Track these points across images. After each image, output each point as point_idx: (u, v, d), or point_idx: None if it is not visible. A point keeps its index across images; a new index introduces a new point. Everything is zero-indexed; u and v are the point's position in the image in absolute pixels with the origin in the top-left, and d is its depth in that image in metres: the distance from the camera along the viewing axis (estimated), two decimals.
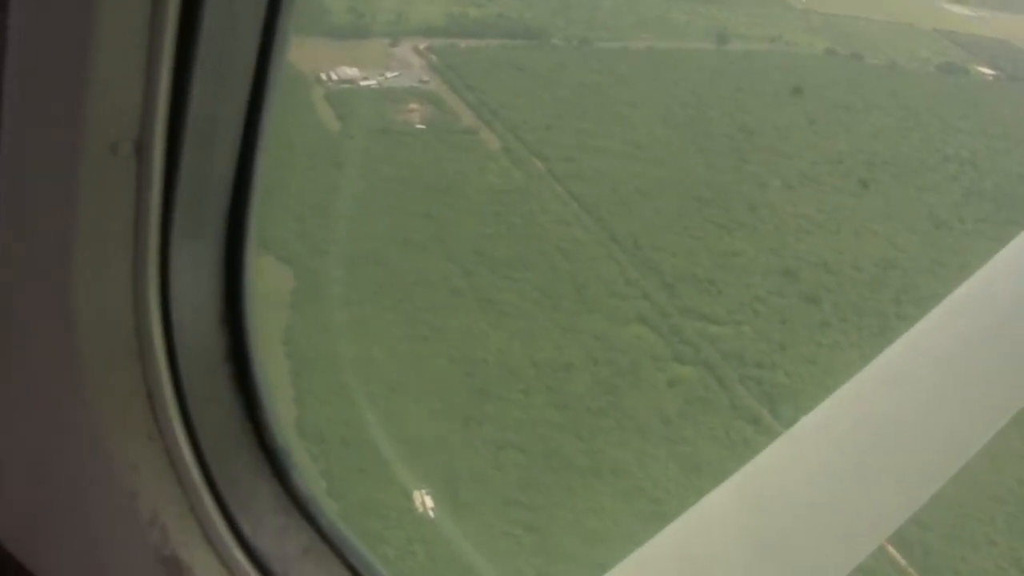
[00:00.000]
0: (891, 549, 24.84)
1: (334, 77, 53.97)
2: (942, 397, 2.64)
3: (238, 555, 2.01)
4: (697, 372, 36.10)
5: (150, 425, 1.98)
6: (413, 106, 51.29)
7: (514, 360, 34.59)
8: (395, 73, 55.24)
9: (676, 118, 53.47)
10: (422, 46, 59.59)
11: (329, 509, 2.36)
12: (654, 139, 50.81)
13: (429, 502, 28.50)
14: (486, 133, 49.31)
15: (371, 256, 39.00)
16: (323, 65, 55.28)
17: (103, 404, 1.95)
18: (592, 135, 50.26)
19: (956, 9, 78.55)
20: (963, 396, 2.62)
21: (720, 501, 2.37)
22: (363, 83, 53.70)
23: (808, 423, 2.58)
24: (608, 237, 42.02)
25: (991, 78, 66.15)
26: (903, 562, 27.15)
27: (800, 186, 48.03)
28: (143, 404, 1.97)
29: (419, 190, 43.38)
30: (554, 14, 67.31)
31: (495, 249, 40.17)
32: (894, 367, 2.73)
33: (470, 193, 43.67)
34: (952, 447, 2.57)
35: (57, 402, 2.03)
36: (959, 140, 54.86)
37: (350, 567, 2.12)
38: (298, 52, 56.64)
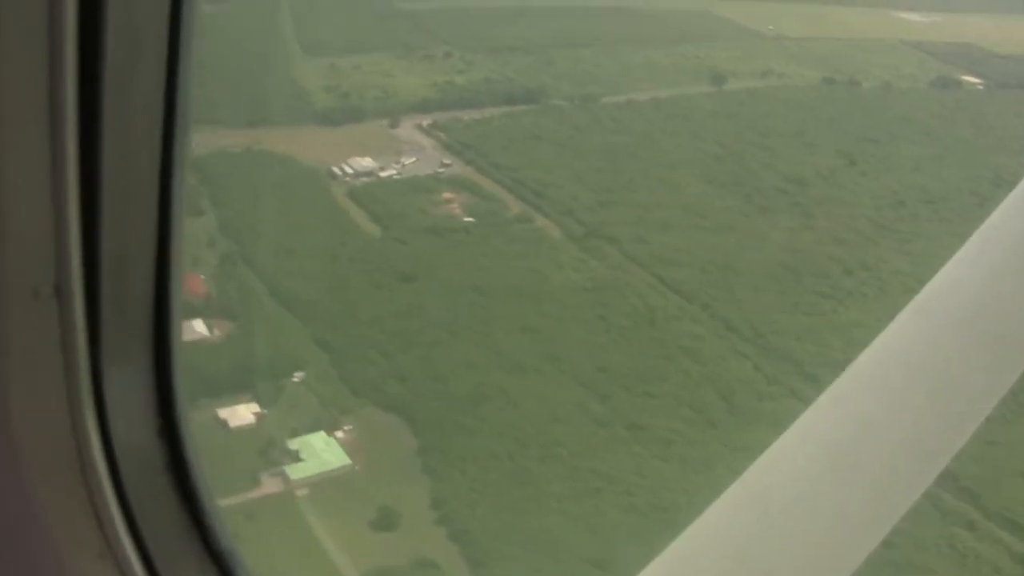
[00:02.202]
0: None
1: (348, 170, 47.90)
2: (918, 398, 2.53)
3: None
4: None
5: (100, 542, 2.04)
6: (448, 195, 45.79)
7: (707, 503, 29.72)
8: (412, 159, 49.62)
9: (719, 175, 49.78)
10: (424, 123, 54.08)
11: None
12: (709, 202, 46.97)
13: None
14: (541, 220, 44.35)
15: (489, 392, 33.61)
16: (329, 156, 49.11)
17: (53, 528, 2.01)
18: (647, 207, 46.00)
19: (908, 16, 78.27)
20: (939, 395, 2.47)
21: (717, 513, 2.27)
22: (382, 174, 47.86)
23: (795, 430, 2.45)
24: (724, 327, 37.90)
25: (981, 87, 65.33)
26: None
27: (879, 238, 44.96)
28: (91, 523, 2.03)
29: (505, 300, 38.23)
30: (539, 71, 62.99)
31: (618, 362, 35.41)
32: (868, 372, 2.61)
33: (561, 296, 38.74)
34: (933, 447, 2.45)
35: (8, 529, 2.06)
36: (995, 163, 52.74)
37: None
38: (296, 144, 50.39)
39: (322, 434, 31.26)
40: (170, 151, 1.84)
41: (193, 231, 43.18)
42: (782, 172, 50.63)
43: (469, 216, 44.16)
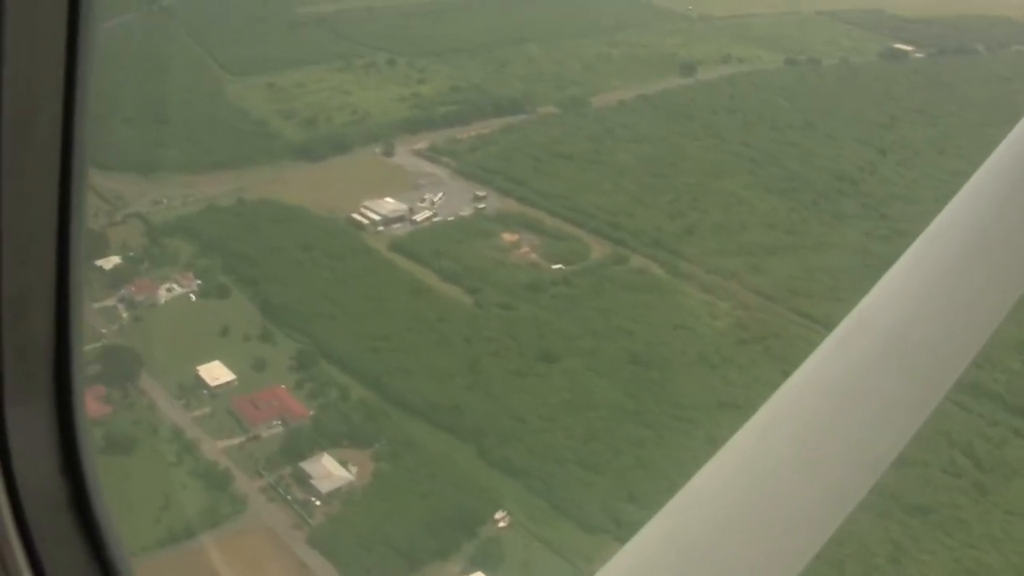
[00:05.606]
0: None
1: (374, 216, 38.29)
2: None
3: None
4: None
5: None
6: (508, 237, 37.51)
7: None
8: (438, 194, 40.83)
9: (770, 181, 44.66)
10: (420, 147, 45.28)
11: None
12: (785, 216, 41.74)
13: None
14: (635, 258, 37.37)
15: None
16: (335, 200, 38.85)
17: None
18: (731, 229, 40.18)
19: None
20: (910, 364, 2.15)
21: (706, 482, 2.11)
22: (416, 218, 38.92)
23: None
24: None
25: (922, 56, 64.06)
26: None
27: None
28: None
29: (673, 371, 31.67)
30: (500, 74, 55.72)
31: None
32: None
33: (726, 354, 32.66)
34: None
35: None
36: (997, 137, 51.09)
37: None
38: (289, 188, 40.89)
39: None
40: (68, 191, 1.79)
41: (228, 320, 32.98)
42: (825, 170, 46.32)
43: (554, 263, 36.56)
